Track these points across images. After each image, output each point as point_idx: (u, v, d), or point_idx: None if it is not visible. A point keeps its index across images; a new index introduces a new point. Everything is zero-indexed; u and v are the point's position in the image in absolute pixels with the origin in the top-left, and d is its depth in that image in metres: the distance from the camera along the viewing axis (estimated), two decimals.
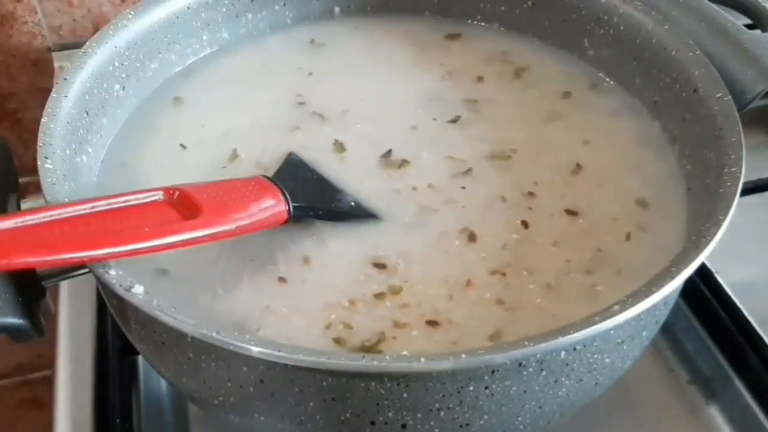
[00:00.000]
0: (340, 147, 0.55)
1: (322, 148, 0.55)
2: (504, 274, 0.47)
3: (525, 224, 0.50)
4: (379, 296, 0.46)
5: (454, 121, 0.57)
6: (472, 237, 0.49)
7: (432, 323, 0.45)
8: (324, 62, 0.62)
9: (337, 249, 0.49)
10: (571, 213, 0.51)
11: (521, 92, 0.60)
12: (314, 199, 0.50)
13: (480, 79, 0.61)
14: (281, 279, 0.47)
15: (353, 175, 0.53)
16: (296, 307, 0.46)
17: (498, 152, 0.55)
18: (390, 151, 0.54)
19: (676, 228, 0.49)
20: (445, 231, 0.50)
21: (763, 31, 0.52)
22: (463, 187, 0.52)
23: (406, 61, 0.63)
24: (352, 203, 0.51)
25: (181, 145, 0.56)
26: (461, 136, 0.56)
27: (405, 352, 0.43)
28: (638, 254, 0.49)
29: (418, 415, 0.41)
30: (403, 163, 0.54)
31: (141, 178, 0.53)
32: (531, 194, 0.52)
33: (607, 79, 0.60)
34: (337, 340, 0.44)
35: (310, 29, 0.65)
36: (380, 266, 0.48)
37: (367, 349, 0.44)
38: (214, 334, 0.38)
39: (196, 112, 0.58)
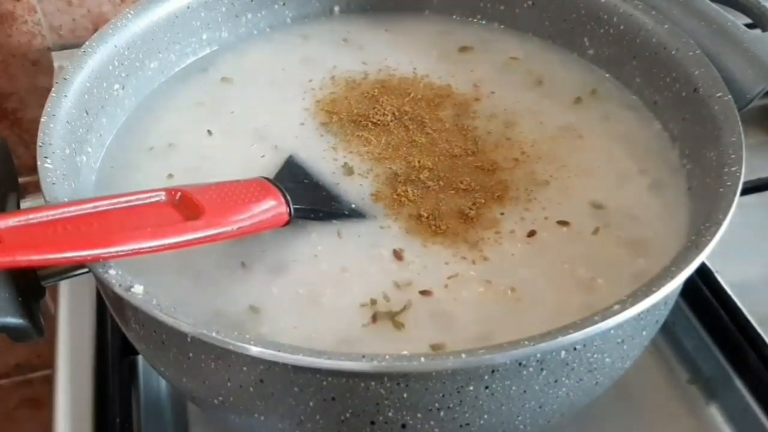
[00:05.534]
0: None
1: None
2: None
3: (532, 233, 0.50)
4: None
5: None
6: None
7: (425, 293, 0.47)
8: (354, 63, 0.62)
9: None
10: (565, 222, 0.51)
11: (541, 100, 0.59)
12: (315, 200, 0.50)
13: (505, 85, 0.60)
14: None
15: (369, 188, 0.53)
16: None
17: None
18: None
19: (676, 228, 0.49)
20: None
21: (763, 30, 0.52)
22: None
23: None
24: (353, 205, 0.51)
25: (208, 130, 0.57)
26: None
27: (405, 352, 0.43)
28: (638, 253, 0.49)
29: (418, 414, 0.40)
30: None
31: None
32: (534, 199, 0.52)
33: (608, 79, 0.60)
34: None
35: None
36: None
37: (394, 315, 0.45)
38: (214, 334, 0.38)
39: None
